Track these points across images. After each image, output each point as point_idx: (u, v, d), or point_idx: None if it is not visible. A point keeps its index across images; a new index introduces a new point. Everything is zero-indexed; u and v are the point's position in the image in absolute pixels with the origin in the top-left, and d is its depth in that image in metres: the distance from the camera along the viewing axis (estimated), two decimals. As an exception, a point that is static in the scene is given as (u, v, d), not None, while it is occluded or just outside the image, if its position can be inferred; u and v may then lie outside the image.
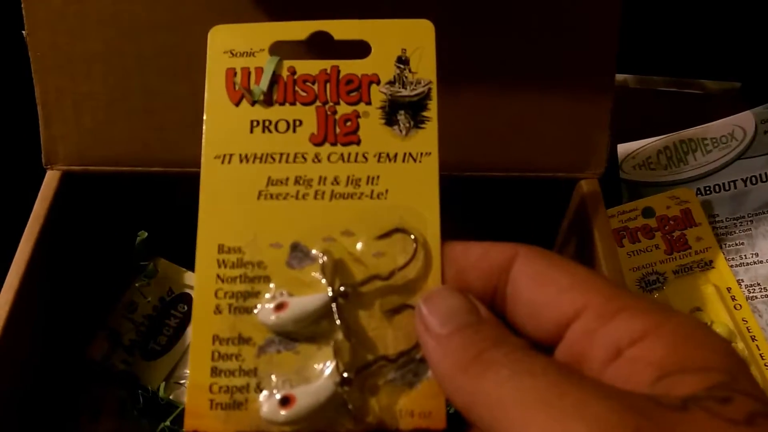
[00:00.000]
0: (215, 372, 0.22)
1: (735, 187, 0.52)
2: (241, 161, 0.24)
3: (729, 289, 0.47)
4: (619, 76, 0.59)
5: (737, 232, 0.51)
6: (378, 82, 0.25)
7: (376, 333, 0.22)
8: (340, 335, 0.22)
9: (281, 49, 0.25)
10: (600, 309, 0.19)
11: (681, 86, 0.60)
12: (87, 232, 0.38)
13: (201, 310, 0.22)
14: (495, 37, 0.34)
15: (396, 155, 0.24)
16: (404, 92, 0.25)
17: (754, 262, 0.49)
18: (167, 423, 0.35)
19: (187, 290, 0.39)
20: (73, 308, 0.37)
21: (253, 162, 0.24)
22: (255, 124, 0.24)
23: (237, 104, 0.24)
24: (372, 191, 0.24)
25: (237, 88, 0.24)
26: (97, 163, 0.35)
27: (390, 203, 0.24)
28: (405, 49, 0.25)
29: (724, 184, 0.53)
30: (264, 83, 0.24)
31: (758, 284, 0.48)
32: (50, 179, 0.35)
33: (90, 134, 0.35)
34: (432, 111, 0.25)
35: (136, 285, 0.38)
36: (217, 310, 0.22)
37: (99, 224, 0.39)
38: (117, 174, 0.36)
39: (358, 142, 0.24)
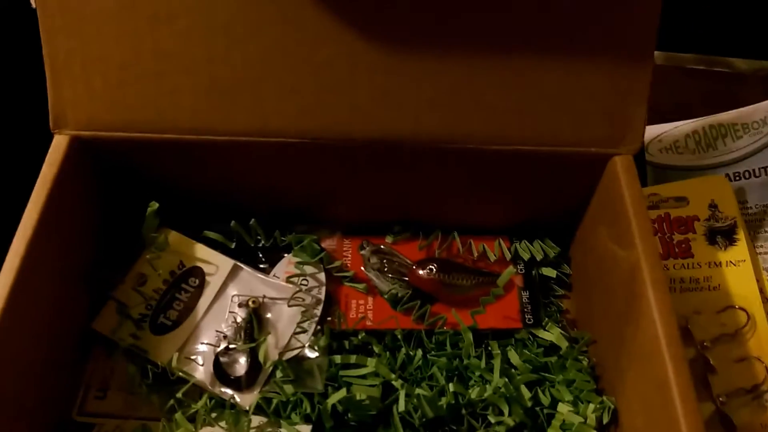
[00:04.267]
0: None
1: (766, 174, 0.51)
2: None
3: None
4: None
5: (767, 218, 0.49)
6: (698, 220, 0.43)
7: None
8: None
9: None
10: None
11: (710, 64, 0.58)
12: (95, 199, 0.36)
13: None
14: (531, 6, 0.32)
15: (720, 262, 0.41)
16: (718, 224, 0.43)
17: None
18: (179, 395, 0.33)
19: (199, 264, 0.38)
20: (80, 278, 0.35)
21: None
22: None
23: None
24: (708, 285, 0.41)
25: None
26: (107, 128, 0.34)
27: (722, 292, 0.40)
28: (713, 198, 0.43)
29: (754, 170, 0.51)
30: None
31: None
32: (58, 144, 0.33)
33: (100, 98, 0.33)
34: (740, 235, 0.42)
35: (147, 257, 0.37)
36: None
37: (108, 192, 0.37)
38: (127, 140, 0.34)
39: (692, 256, 0.42)
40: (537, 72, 0.34)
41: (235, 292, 0.37)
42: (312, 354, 0.36)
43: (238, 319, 0.36)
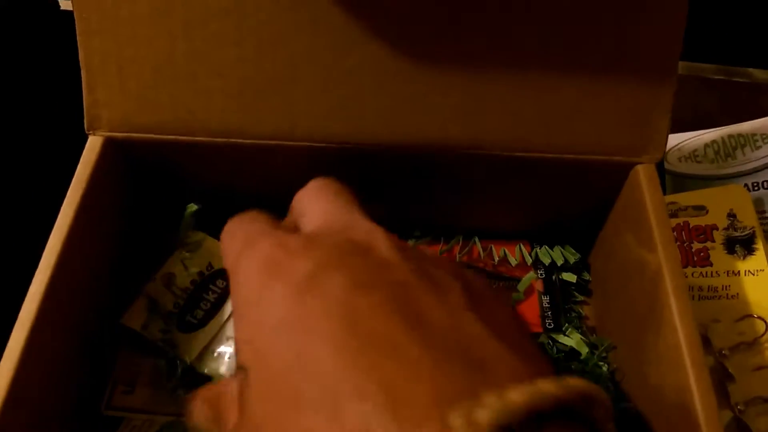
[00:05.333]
0: None
1: (785, 184, 0.51)
2: None
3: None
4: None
5: (785, 229, 0.49)
6: (717, 229, 0.42)
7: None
8: None
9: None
10: None
11: (729, 74, 0.59)
12: (127, 199, 0.37)
13: None
14: (557, 16, 0.33)
15: (738, 271, 0.41)
16: (736, 234, 0.42)
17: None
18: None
19: (226, 264, 0.38)
20: (111, 275, 0.36)
21: None
22: None
23: None
24: (727, 294, 0.40)
25: None
26: (140, 129, 0.35)
27: (741, 301, 0.40)
28: (732, 208, 0.43)
29: (773, 180, 0.51)
30: None
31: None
32: (92, 145, 0.34)
33: (134, 100, 0.34)
34: (758, 244, 0.42)
35: (179, 257, 0.38)
36: None
37: (139, 191, 0.38)
38: (159, 141, 0.35)
39: (711, 265, 0.41)
40: (562, 81, 0.34)
41: (260, 292, 0.38)
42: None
43: (263, 319, 0.37)
